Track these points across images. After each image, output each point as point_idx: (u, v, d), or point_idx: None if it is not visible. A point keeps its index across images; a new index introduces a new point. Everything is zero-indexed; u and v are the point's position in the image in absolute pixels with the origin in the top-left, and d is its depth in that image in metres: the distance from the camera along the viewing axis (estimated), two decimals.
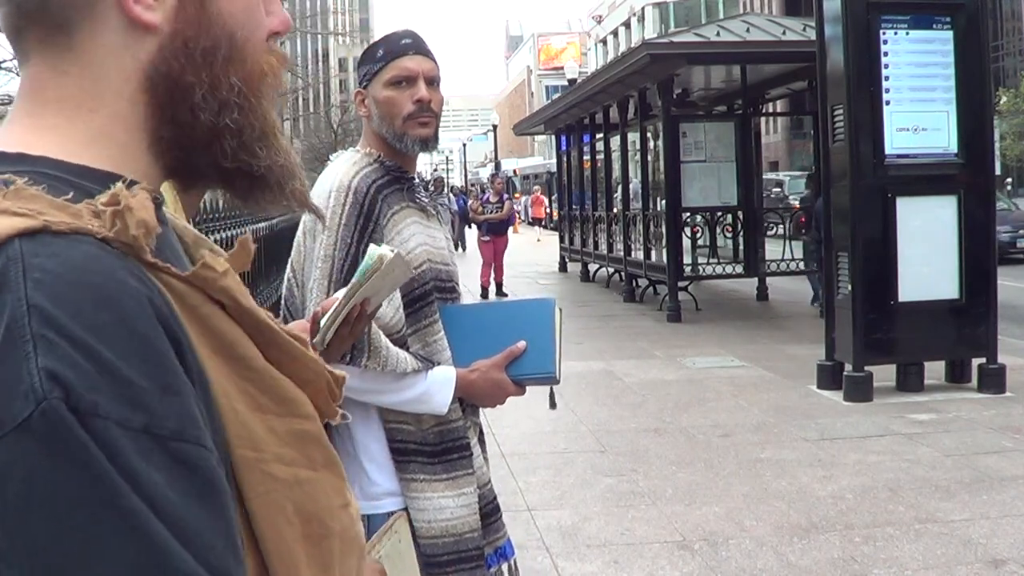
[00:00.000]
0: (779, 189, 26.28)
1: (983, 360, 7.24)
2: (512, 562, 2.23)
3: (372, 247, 1.75)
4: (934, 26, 7.22)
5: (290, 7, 35.58)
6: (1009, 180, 34.15)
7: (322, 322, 1.76)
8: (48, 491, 0.56)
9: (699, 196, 12.31)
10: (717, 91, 14.47)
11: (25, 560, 0.56)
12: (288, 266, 2.18)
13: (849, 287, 7.12)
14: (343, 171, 2.09)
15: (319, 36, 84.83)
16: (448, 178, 59.98)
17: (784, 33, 11.38)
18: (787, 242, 12.74)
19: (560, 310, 2.19)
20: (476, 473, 2.12)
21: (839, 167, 7.26)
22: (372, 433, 2.07)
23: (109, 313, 0.59)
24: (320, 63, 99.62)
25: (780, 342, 9.82)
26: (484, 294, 14.48)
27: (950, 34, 7.21)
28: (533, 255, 22.24)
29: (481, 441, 2.24)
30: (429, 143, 2.15)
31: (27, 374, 0.56)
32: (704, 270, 12.52)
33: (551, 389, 2.30)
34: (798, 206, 14.12)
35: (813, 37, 8.28)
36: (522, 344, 2.10)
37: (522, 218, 36.66)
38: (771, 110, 17.08)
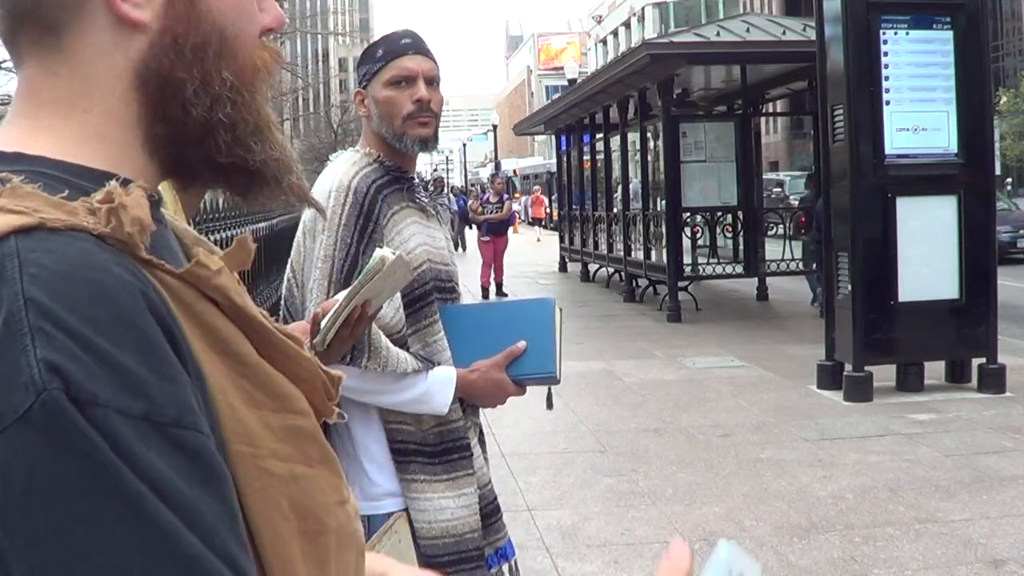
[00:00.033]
0: (779, 189, 26.30)
1: (983, 360, 7.24)
2: (513, 563, 2.23)
3: (376, 249, 1.75)
4: (934, 26, 7.22)
5: (290, 7, 35.61)
6: (1009, 180, 34.16)
7: (322, 323, 1.76)
8: (52, 481, 0.56)
9: (699, 196, 12.32)
10: (717, 91, 14.47)
11: (31, 552, 0.56)
12: (288, 266, 2.18)
13: (849, 287, 7.12)
14: (343, 171, 2.09)
15: (319, 36, 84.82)
16: (448, 178, 59.99)
17: (784, 33, 11.38)
18: (787, 242, 12.74)
19: (560, 310, 2.19)
20: (476, 473, 2.12)
21: (839, 167, 7.26)
22: (372, 434, 2.06)
23: (105, 306, 0.60)
24: (320, 63, 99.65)
25: (780, 342, 9.82)
26: (484, 295, 14.48)
27: (950, 34, 7.21)
28: (533, 255, 22.25)
29: (481, 441, 2.24)
30: (429, 143, 2.14)
31: (26, 366, 0.56)
32: (704, 270, 12.53)
33: (549, 389, 2.30)
34: (798, 206, 14.12)
35: (813, 37, 8.28)
36: (522, 344, 2.10)
37: (522, 218, 36.66)
38: (771, 110, 17.09)
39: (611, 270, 15.60)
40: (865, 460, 5.62)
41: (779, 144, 47.80)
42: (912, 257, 7.09)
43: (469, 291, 12.92)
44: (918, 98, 7.19)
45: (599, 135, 16.25)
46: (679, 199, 11.92)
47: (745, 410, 6.95)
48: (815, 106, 8.38)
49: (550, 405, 2.34)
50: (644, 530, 4.58)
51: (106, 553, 0.56)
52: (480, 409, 2.23)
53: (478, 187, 27.72)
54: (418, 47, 2.15)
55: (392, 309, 2.02)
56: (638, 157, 14.82)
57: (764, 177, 17.12)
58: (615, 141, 15.01)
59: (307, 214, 2.12)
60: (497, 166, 40.18)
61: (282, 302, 2.20)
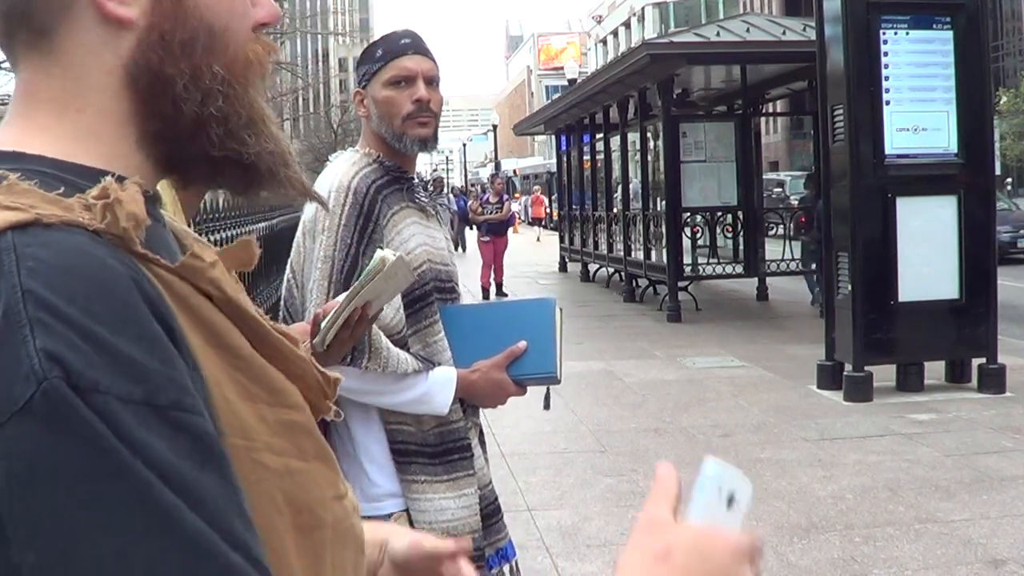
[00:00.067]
0: (780, 189, 26.31)
1: (983, 360, 7.24)
2: (513, 563, 2.22)
3: (377, 250, 1.75)
4: (934, 26, 7.22)
5: (290, 7, 35.55)
6: (1009, 180, 34.15)
7: (322, 324, 1.76)
8: (55, 469, 0.56)
9: (699, 196, 12.32)
10: (717, 91, 14.47)
11: (36, 540, 0.56)
12: (287, 267, 2.17)
13: (849, 287, 7.12)
14: (342, 171, 2.09)
15: (319, 36, 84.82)
16: (448, 178, 60.01)
17: (784, 33, 11.38)
18: (787, 242, 12.74)
19: (560, 310, 2.19)
20: (477, 474, 2.12)
21: (839, 167, 7.25)
22: (373, 434, 2.06)
23: (102, 296, 0.60)
24: (320, 63, 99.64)
25: (780, 342, 9.82)
26: (485, 295, 14.47)
27: (950, 34, 7.21)
28: (533, 255, 22.25)
29: (481, 442, 2.24)
30: (428, 143, 2.14)
31: (26, 356, 0.57)
32: (704, 270, 12.53)
33: (547, 390, 2.30)
34: (798, 206, 14.12)
35: (813, 37, 8.28)
36: (523, 344, 2.10)
37: (522, 218, 36.67)
38: (771, 110, 17.09)
39: (611, 270, 15.60)
40: (865, 460, 5.62)
41: (779, 144, 47.80)
42: (912, 257, 7.09)
43: (469, 292, 12.92)
44: (918, 98, 7.18)
45: (599, 135, 16.25)
46: (679, 199, 11.92)
47: (745, 410, 6.95)
48: (815, 106, 8.38)
49: (547, 406, 2.34)
50: None
51: (112, 537, 0.56)
52: (480, 409, 2.22)
53: (478, 187, 27.72)
54: (417, 47, 2.15)
55: (392, 310, 2.02)
56: (638, 157, 14.82)
57: (765, 177, 17.16)
58: (615, 141, 15.01)
59: (307, 215, 2.12)
60: (497, 166, 40.16)
61: (282, 303, 2.20)
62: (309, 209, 2.10)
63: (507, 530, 2.23)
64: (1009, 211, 18.84)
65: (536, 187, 41.34)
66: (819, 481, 5.25)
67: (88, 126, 0.72)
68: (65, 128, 0.71)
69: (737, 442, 6.07)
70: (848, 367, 7.16)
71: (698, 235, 12.38)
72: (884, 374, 7.21)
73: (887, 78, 7.10)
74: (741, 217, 12.51)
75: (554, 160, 23.32)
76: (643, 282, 13.72)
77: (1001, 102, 31.46)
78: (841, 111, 7.13)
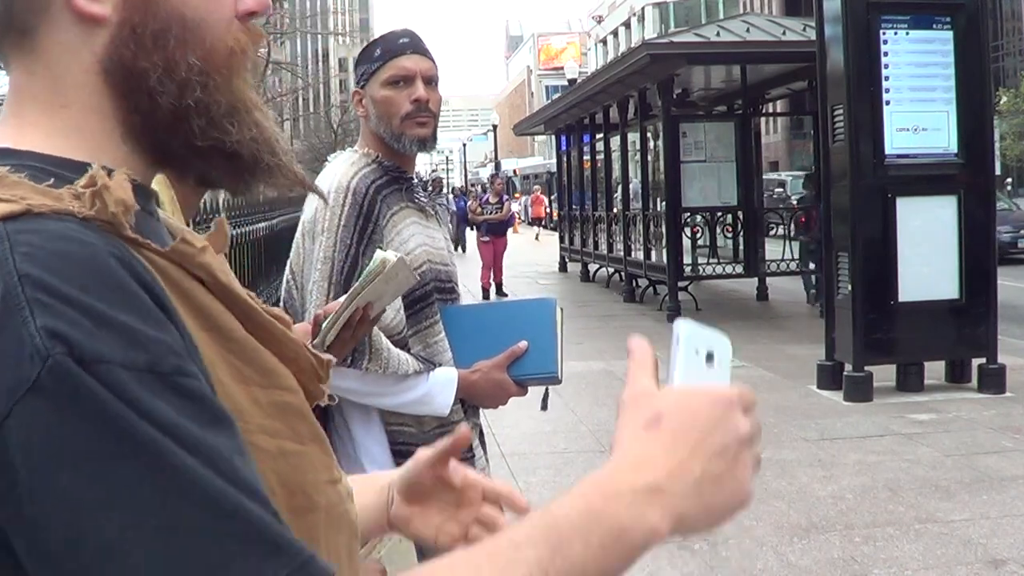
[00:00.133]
0: (781, 189, 26.30)
1: (983, 360, 7.23)
2: None
3: (377, 251, 1.75)
4: (934, 26, 7.21)
5: (290, 7, 35.54)
6: (1009, 180, 34.15)
7: (323, 325, 1.76)
8: (69, 443, 0.58)
9: (699, 196, 12.31)
10: (717, 91, 14.46)
11: (56, 516, 0.57)
12: (287, 268, 2.17)
13: (849, 287, 7.12)
14: (341, 172, 2.09)
15: (319, 36, 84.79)
16: (448, 178, 60.03)
17: (784, 33, 11.38)
18: (787, 242, 12.74)
19: (561, 309, 2.19)
20: None
21: (839, 167, 7.25)
22: (373, 435, 2.06)
23: (96, 275, 0.62)
24: (320, 63, 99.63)
25: (780, 342, 9.82)
26: (485, 296, 14.46)
27: (950, 34, 7.20)
28: (533, 255, 22.25)
29: (482, 442, 2.24)
30: (427, 143, 2.14)
31: (28, 336, 0.58)
32: (704, 270, 12.52)
33: (545, 390, 2.30)
34: (798, 206, 14.13)
35: (813, 37, 8.28)
36: (523, 344, 2.10)
37: (522, 218, 36.67)
38: (771, 110, 17.08)
39: (611, 270, 15.59)
40: (865, 460, 5.62)
41: (779, 144, 47.79)
42: (912, 257, 7.09)
43: (469, 292, 12.93)
44: (918, 98, 7.18)
45: (599, 135, 16.24)
46: (679, 199, 11.92)
47: None
48: (815, 106, 8.37)
49: (544, 406, 2.33)
50: None
51: (134, 504, 0.58)
52: (480, 409, 2.22)
53: (478, 187, 27.73)
54: (416, 46, 2.15)
55: (393, 310, 2.01)
56: (638, 157, 14.82)
57: (766, 177, 17.15)
58: (615, 141, 15.00)
59: (306, 215, 2.12)
60: (497, 166, 40.16)
61: (281, 304, 2.19)
62: (308, 210, 2.10)
63: None
64: (1009, 211, 18.84)
65: (536, 187, 41.35)
66: (819, 481, 5.24)
67: (74, 122, 0.73)
68: (53, 124, 0.73)
69: None
70: (848, 367, 7.16)
71: (698, 235, 12.37)
72: (884, 374, 7.21)
73: (887, 78, 7.10)
74: (741, 217, 12.50)
75: (554, 160, 23.32)
76: (643, 282, 13.72)
77: (1001, 102, 31.46)
78: (841, 111, 7.13)
